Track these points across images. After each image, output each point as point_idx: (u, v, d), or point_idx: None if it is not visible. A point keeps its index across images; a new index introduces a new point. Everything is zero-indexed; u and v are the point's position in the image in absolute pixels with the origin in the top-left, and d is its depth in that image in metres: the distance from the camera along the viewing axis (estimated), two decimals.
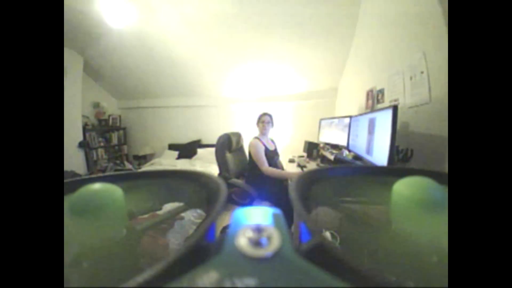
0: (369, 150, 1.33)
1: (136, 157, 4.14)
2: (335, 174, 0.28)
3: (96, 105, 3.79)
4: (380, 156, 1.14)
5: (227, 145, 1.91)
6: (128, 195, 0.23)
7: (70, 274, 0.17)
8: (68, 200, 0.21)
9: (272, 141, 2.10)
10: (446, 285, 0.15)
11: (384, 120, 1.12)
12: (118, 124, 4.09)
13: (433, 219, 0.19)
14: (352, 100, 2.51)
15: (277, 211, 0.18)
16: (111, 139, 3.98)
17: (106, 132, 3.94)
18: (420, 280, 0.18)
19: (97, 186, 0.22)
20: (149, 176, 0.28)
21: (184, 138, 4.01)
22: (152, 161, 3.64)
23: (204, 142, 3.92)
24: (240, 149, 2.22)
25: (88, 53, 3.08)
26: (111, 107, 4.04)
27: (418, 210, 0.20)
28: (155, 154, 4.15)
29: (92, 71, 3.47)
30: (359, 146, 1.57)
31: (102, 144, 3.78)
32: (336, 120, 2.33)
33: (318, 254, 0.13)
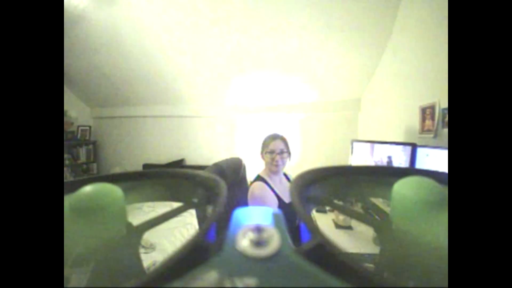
0: None
1: None
2: (335, 174, 0.28)
3: (63, 114, 3.19)
4: None
5: None
6: (128, 195, 0.23)
7: (70, 274, 0.17)
8: (68, 200, 0.21)
9: (289, 179, 1.23)
10: (446, 285, 0.15)
11: None
12: (87, 138, 3.40)
13: (433, 219, 0.19)
14: (390, 117, 1.89)
15: (277, 211, 0.18)
16: (78, 155, 3.27)
17: (73, 147, 3.24)
18: (420, 280, 0.18)
19: (97, 186, 0.22)
20: (149, 176, 0.28)
21: (164, 157, 3.23)
22: None
23: (189, 162, 3.15)
24: (241, 184, 1.32)
25: None
26: (82, 116, 3.42)
27: (419, 210, 0.20)
28: None
29: None
30: None
31: (67, 161, 3.11)
32: (382, 147, 1.51)
33: (318, 254, 0.13)
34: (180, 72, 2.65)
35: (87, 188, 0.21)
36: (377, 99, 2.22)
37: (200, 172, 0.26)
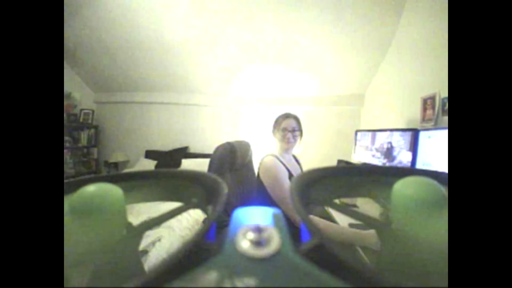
0: None
1: (106, 164, 3.38)
2: (336, 174, 0.28)
3: (67, 96, 3.10)
4: None
5: (230, 160, 1.16)
6: (128, 195, 0.23)
7: (70, 275, 0.17)
8: (68, 200, 0.21)
9: (297, 161, 1.28)
10: (446, 285, 0.15)
11: None
12: (90, 121, 3.34)
13: (433, 218, 0.19)
14: (392, 111, 2.00)
15: (277, 211, 0.18)
16: (79, 139, 3.24)
17: (75, 129, 3.19)
18: (420, 280, 0.18)
19: (97, 186, 0.22)
20: (149, 176, 0.28)
21: (168, 144, 3.23)
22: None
23: (192, 150, 3.16)
24: (247, 167, 1.41)
25: (65, 29, 2.42)
26: (85, 99, 3.36)
27: (419, 210, 0.20)
28: (130, 162, 3.39)
29: (67, 54, 2.81)
30: None
31: (67, 144, 3.07)
32: (385, 134, 1.63)
33: (318, 254, 0.13)
34: (191, 59, 2.64)
35: (87, 188, 0.21)
36: (380, 95, 2.32)
37: (201, 172, 0.26)
